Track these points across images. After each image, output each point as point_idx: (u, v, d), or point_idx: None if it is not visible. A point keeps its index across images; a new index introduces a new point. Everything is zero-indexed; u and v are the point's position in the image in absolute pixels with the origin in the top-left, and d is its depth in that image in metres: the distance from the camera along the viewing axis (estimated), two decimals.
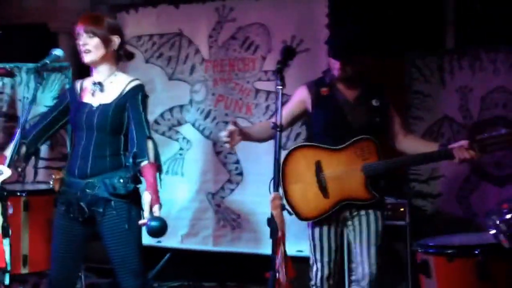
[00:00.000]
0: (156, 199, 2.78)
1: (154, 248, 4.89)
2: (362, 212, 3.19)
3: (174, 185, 5.00)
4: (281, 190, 2.92)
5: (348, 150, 3.14)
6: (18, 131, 2.73)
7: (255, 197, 4.68)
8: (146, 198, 2.77)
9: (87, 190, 2.89)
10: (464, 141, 2.97)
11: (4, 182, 2.63)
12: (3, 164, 2.93)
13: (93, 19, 3.00)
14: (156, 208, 2.76)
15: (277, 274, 2.26)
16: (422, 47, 4.89)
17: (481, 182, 4.61)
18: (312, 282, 3.32)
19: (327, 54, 3.31)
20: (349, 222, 3.23)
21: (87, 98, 3.02)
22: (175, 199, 4.99)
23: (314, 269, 3.30)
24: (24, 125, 2.74)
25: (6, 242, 2.55)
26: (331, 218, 3.18)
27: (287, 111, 3.30)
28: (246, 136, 3.29)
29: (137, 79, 3.05)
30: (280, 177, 2.50)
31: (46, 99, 5.13)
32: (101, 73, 3.02)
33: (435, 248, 2.35)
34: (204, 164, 4.94)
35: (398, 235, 4.40)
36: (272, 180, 2.48)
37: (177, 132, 5.06)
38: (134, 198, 2.93)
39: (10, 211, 2.62)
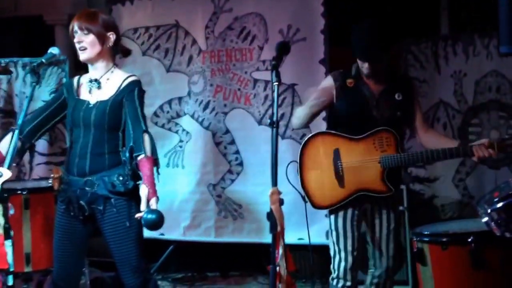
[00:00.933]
0: (153, 192, 2.79)
1: (157, 241, 4.94)
2: (384, 210, 3.16)
3: (174, 177, 5.02)
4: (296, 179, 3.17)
5: (367, 140, 3.11)
6: (16, 132, 2.74)
7: (256, 187, 4.71)
8: (142, 191, 2.78)
9: (87, 188, 2.90)
10: (484, 140, 2.96)
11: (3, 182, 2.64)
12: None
13: (88, 16, 2.99)
14: (153, 201, 2.77)
15: (278, 268, 2.29)
16: (417, 33, 4.91)
17: (477, 165, 4.68)
18: (334, 275, 3.23)
19: (352, 54, 3.19)
20: (370, 217, 3.19)
21: (84, 95, 3.01)
22: (176, 191, 5.01)
23: (337, 259, 3.21)
24: (22, 125, 2.73)
25: (8, 243, 2.57)
26: (353, 206, 3.14)
27: (314, 103, 3.24)
28: None
29: (133, 75, 3.05)
30: (275, 171, 2.44)
31: (43, 93, 5.11)
32: (97, 70, 3.02)
33: (430, 237, 2.39)
34: (204, 155, 4.95)
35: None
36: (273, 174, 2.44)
37: (177, 124, 5.07)
38: (134, 195, 2.91)
39: (11, 212, 2.63)
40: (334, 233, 3.21)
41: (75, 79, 3.11)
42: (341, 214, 3.16)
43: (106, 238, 2.96)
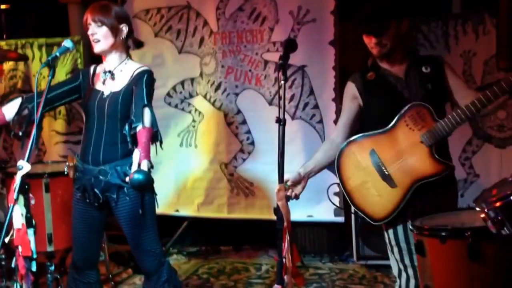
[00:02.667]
0: (144, 156, 2.79)
1: (173, 217, 5.12)
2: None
3: (188, 156, 5.15)
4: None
5: (399, 125, 2.76)
6: (35, 127, 2.82)
7: (267, 165, 4.82)
8: (134, 154, 2.80)
9: (100, 177, 3.00)
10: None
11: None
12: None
13: (101, 9, 3.05)
14: (144, 163, 2.76)
15: (284, 260, 2.41)
16: (428, 12, 4.91)
17: (483, 144, 4.75)
18: None
19: (360, 32, 2.90)
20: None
21: (98, 85, 3.10)
22: (190, 169, 5.14)
23: (404, 278, 2.86)
24: (40, 121, 2.73)
25: (30, 232, 2.68)
26: (406, 212, 2.75)
27: (344, 120, 2.99)
28: (311, 174, 2.94)
29: (146, 65, 3.10)
30: (282, 168, 2.47)
31: (59, 74, 5.20)
32: (111, 61, 3.09)
33: (429, 230, 2.48)
34: (216, 135, 5.05)
35: None
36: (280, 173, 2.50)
37: (189, 104, 5.15)
38: None
39: (32, 202, 2.75)
40: (395, 248, 2.85)
41: (92, 68, 3.19)
42: (400, 226, 2.81)
43: (121, 225, 3.09)
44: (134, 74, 3.04)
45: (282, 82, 2.55)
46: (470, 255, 2.36)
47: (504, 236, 2.21)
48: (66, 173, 3.18)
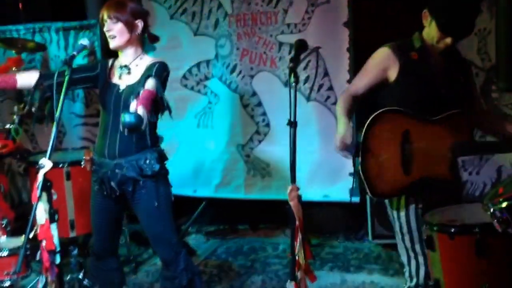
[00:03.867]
0: (139, 103, 2.84)
1: (191, 198, 5.22)
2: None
3: (205, 137, 5.21)
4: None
5: (441, 123, 2.77)
6: (55, 124, 2.86)
7: (283, 146, 4.75)
8: (131, 104, 2.87)
9: (116, 170, 3.08)
10: None
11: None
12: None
13: (116, 5, 3.09)
14: (140, 108, 2.82)
15: (297, 257, 2.48)
16: None
17: None
18: (412, 284, 2.88)
19: (438, 28, 2.79)
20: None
21: (115, 79, 3.16)
22: (207, 151, 5.20)
23: (414, 265, 2.87)
24: (59, 121, 2.76)
25: (53, 226, 2.78)
26: (417, 201, 2.82)
27: (364, 82, 2.91)
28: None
29: (161, 59, 3.13)
30: (294, 168, 2.50)
31: (77, 57, 5.25)
32: (127, 56, 3.15)
33: (439, 226, 2.55)
34: (232, 117, 5.09)
35: None
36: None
37: (205, 86, 5.19)
38: (161, 176, 3.13)
39: (55, 197, 2.84)
40: (407, 236, 2.86)
41: (110, 61, 3.25)
42: (412, 210, 2.83)
43: (138, 217, 3.19)
44: (149, 66, 3.09)
45: (293, 84, 2.54)
46: (478, 250, 2.44)
47: (511, 233, 2.28)
48: (83, 166, 3.28)
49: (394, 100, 2.82)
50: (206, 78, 5.20)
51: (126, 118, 2.73)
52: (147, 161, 3.08)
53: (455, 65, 2.91)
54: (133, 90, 3.02)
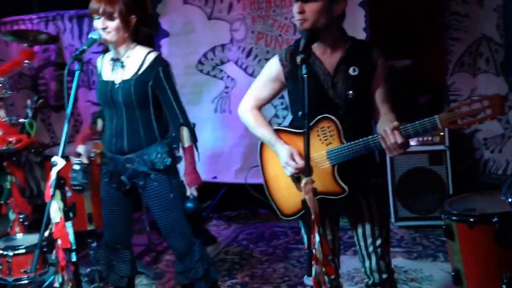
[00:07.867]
0: (191, 181, 3.08)
1: (211, 184, 5.19)
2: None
3: (224, 122, 5.19)
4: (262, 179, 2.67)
5: (312, 133, 2.45)
6: (66, 121, 2.84)
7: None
8: (187, 191, 3.11)
9: (127, 165, 3.07)
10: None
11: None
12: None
13: (110, 1, 2.97)
14: (192, 189, 3.07)
15: (314, 251, 2.42)
16: None
17: None
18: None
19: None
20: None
21: (107, 76, 3.10)
22: (226, 136, 5.18)
23: None
24: (70, 118, 2.79)
25: (68, 224, 2.78)
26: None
27: (257, 91, 2.88)
28: None
29: (153, 50, 3.08)
30: (308, 161, 2.36)
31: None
32: (119, 50, 3.07)
33: (458, 216, 2.49)
34: None
35: (438, 159, 4.54)
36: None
37: (221, 71, 5.15)
38: (172, 168, 3.12)
39: (69, 194, 2.83)
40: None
41: (99, 59, 3.19)
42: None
43: (151, 210, 3.18)
44: (146, 64, 3.03)
45: (305, 76, 2.40)
46: (497, 239, 2.37)
47: None
48: (93, 159, 3.26)
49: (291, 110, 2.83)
50: (222, 63, 5.15)
51: (188, 205, 3.06)
52: (159, 155, 3.06)
53: (350, 57, 2.55)
54: (131, 87, 3.00)
